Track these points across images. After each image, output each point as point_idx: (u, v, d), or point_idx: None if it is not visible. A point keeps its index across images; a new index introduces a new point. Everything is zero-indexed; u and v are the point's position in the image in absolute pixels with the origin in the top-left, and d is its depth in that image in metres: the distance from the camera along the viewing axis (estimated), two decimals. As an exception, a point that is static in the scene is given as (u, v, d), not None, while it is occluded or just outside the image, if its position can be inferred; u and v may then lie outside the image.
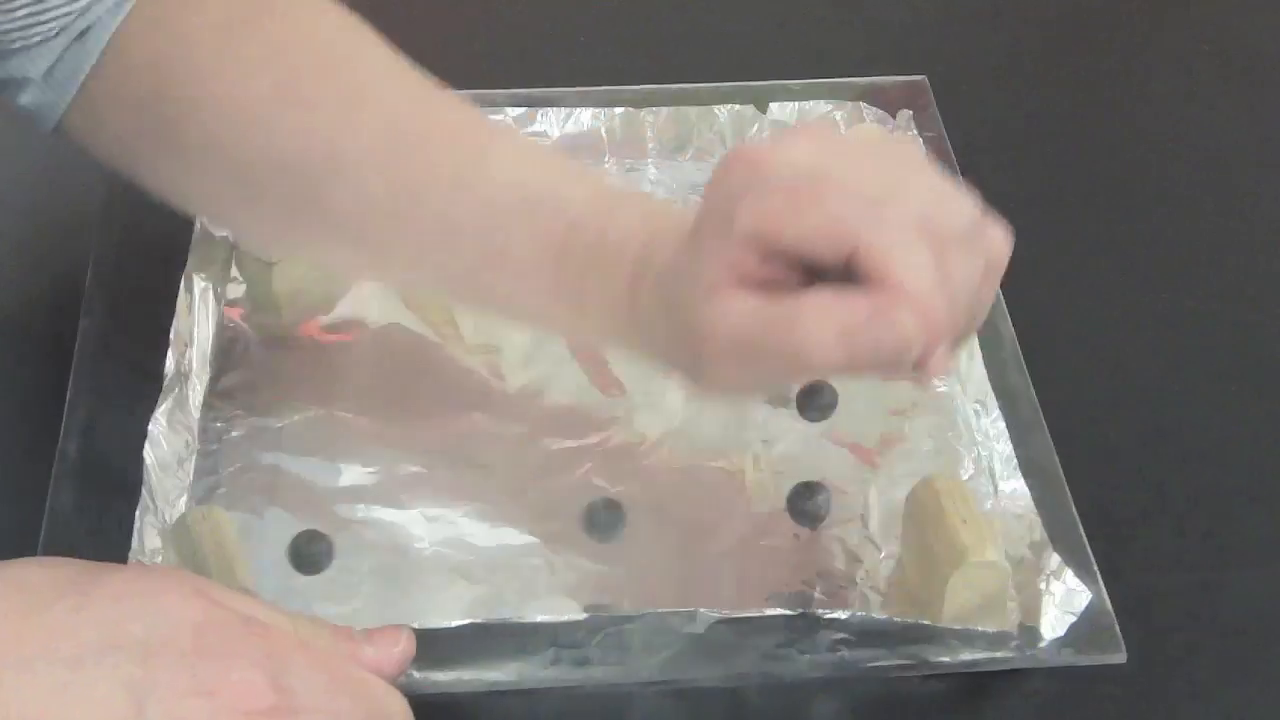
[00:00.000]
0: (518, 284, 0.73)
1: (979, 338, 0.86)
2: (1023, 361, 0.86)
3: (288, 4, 0.79)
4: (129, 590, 0.62)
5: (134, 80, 0.77)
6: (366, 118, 0.75)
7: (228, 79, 0.76)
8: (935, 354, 0.64)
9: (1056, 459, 0.81)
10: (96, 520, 0.77)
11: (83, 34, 0.77)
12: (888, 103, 0.98)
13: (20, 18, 0.76)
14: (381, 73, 0.78)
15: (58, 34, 0.77)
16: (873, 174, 0.64)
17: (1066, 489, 0.80)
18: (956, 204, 0.65)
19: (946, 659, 0.74)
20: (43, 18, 0.76)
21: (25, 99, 0.79)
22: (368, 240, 0.76)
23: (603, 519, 0.80)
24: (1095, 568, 0.76)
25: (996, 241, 0.67)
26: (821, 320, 0.63)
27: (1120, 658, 0.74)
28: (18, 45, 0.77)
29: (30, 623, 0.61)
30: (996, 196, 0.95)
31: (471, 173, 0.74)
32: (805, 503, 0.81)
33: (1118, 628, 0.75)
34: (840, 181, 0.64)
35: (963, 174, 0.95)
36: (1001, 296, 0.88)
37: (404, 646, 0.67)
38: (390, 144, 0.75)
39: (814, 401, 0.84)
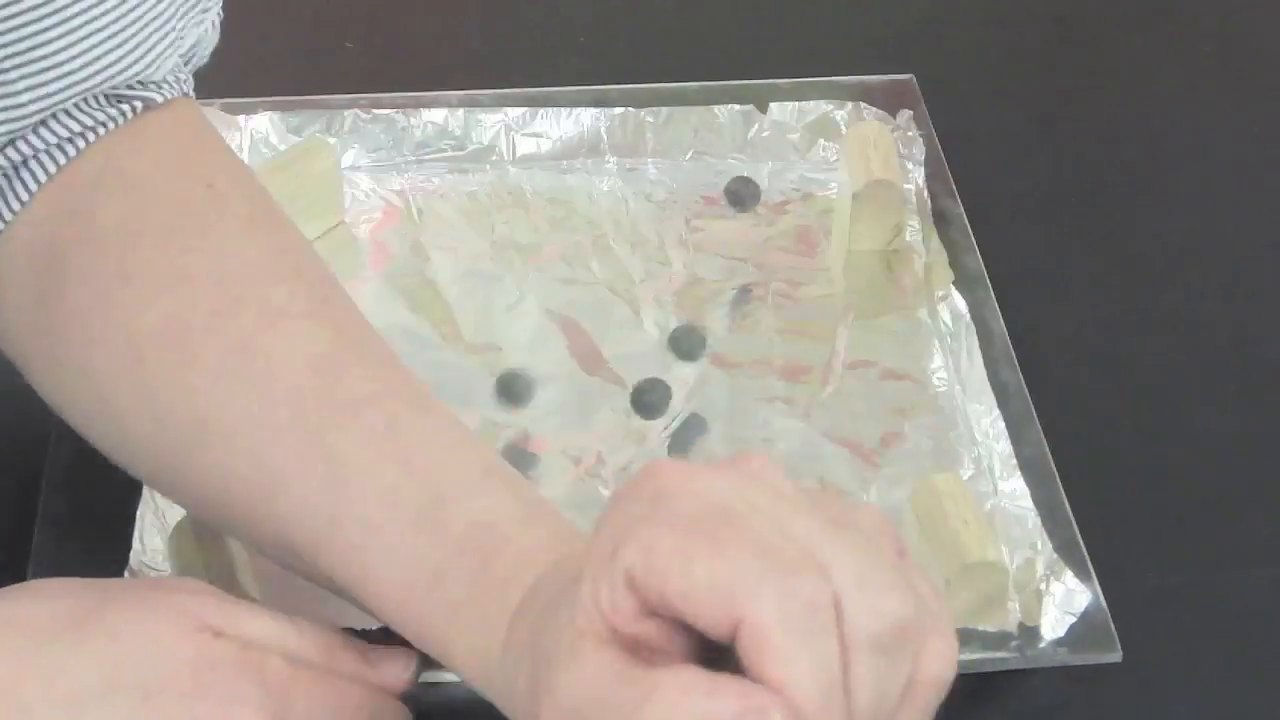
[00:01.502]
0: (380, 604, 0.64)
1: (976, 336, 0.86)
2: (1013, 356, 0.85)
3: (215, 217, 0.70)
4: (127, 627, 0.62)
5: (35, 267, 0.70)
6: (248, 382, 0.66)
7: (120, 301, 0.68)
8: None
9: (1049, 453, 0.81)
10: (98, 521, 0.77)
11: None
12: (883, 102, 0.98)
13: None
14: (282, 325, 0.67)
15: None
16: (797, 530, 0.52)
17: (1059, 482, 0.80)
18: (887, 595, 0.52)
19: (947, 659, 0.74)
20: None
21: None
22: (231, 517, 0.68)
23: None
24: (1089, 564, 0.76)
25: (932, 656, 0.53)
26: (678, 704, 0.51)
27: (1115, 657, 0.74)
28: None
29: (27, 664, 0.61)
30: (987, 195, 0.96)
31: (348, 469, 0.64)
32: None
33: (1112, 625, 0.75)
34: (748, 534, 0.51)
35: (952, 172, 0.95)
36: (992, 293, 0.88)
37: (411, 674, 0.66)
38: (263, 421, 0.65)
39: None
